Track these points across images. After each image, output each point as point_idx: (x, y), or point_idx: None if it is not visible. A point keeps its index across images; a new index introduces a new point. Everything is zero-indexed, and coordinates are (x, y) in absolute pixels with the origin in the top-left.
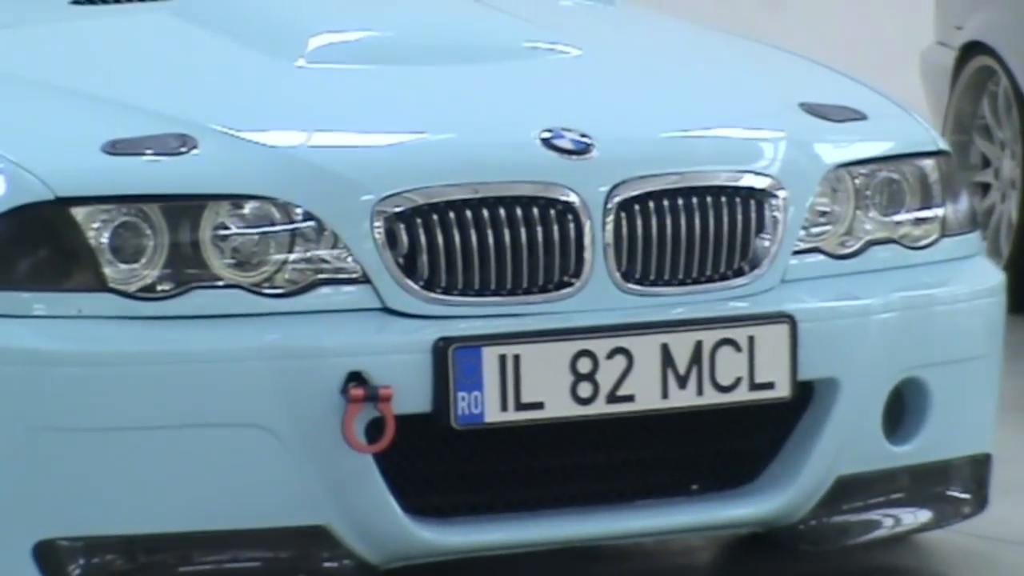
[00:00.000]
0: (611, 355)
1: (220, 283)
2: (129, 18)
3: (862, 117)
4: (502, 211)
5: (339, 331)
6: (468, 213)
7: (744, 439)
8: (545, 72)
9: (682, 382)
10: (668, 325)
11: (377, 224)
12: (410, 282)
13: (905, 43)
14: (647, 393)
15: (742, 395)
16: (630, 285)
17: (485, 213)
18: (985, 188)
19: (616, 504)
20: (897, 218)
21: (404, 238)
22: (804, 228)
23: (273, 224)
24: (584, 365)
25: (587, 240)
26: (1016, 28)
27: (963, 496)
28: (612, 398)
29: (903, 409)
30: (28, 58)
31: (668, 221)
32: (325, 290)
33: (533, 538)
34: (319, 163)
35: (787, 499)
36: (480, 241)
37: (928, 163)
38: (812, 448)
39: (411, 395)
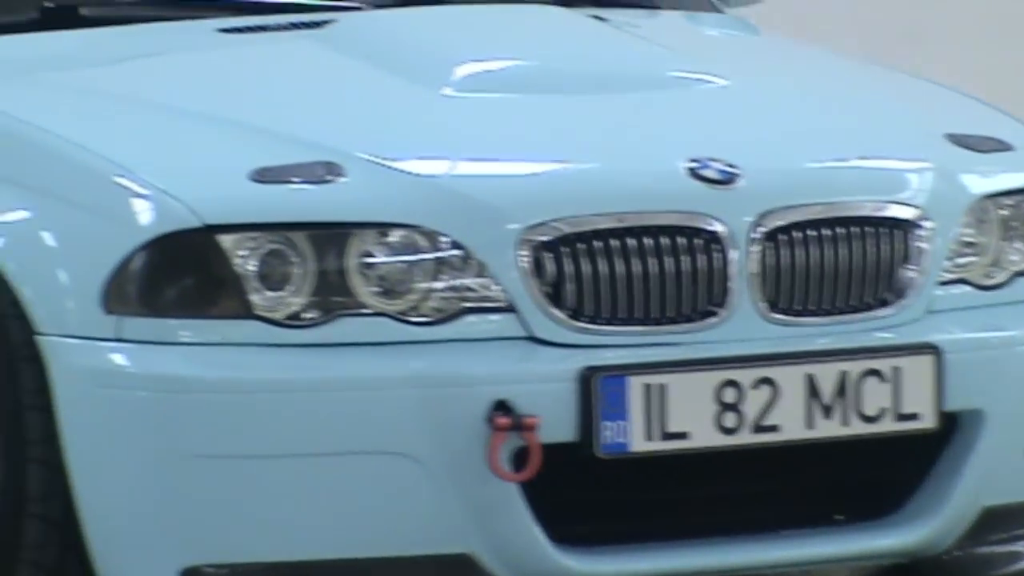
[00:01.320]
0: (756, 385)
1: (366, 311)
2: (276, 46)
3: (1008, 148)
4: (647, 240)
5: (485, 360)
6: (613, 242)
7: (889, 469)
8: (691, 102)
9: (827, 412)
10: (813, 355)
11: (523, 253)
12: (556, 311)
13: None
14: (792, 423)
15: (887, 426)
16: (775, 315)
17: (630, 242)
18: None
19: (760, 534)
20: None
21: (550, 267)
22: (949, 259)
23: (419, 252)
24: (729, 395)
25: (732, 270)
26: None
27: None
28: (757, 428)
29: None
30: (175, 86)
31: (814, 251)
32: (470, 319)
33: (677, 567)
34: (465, 191)
35: (932, 530)
36: (625, 270)
37: None
38: (957, 479)
39: (556, 424)
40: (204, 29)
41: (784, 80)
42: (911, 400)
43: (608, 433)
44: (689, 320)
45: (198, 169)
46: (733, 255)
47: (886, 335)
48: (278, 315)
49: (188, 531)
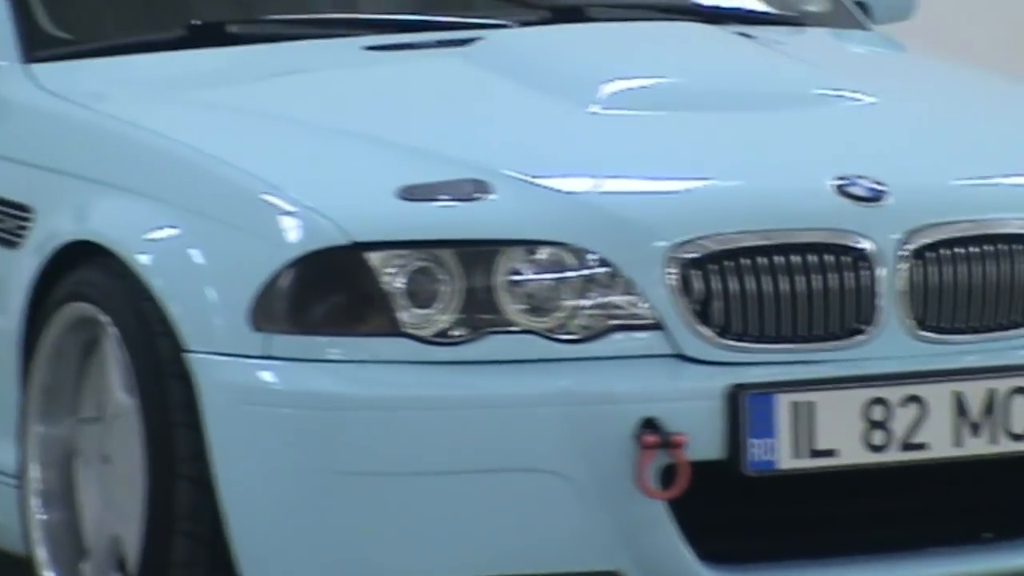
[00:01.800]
0: (904, 403)
1: (513, 328)
2: (422, 63)
3: None
4: (794, 258)
5: (632, 377)
6: (760, 260)
7: None
8: (837, 119)
9: (975, 430)
10: (961, 373)
11: (671, 270)
12: (704, 328)
13: None
14: (940, 441)
15: None
16: (923, 333)
17: (777, 260)
18: None
19: (908, 552)
20: None
21: (697, 284)
22: None
23: (566, 270)
24: (877, 412)
25: (880, 287)
26: None
27: None
28: (905, 446)
29: None
30: (322, 103)
31: (962, 269)
32: (618, 336)
33: None
34: (612, 209)
35: None
36: (773, 288)
37: None
38: None
39: (703, 441)
40: (351, 47)
41: (931, 97)
42: None
43: (755, 451)
44: (836, 338)
45: (346, 186)
46: (881, 273)
47: None
48: (426, 332)
49: (335, 549)
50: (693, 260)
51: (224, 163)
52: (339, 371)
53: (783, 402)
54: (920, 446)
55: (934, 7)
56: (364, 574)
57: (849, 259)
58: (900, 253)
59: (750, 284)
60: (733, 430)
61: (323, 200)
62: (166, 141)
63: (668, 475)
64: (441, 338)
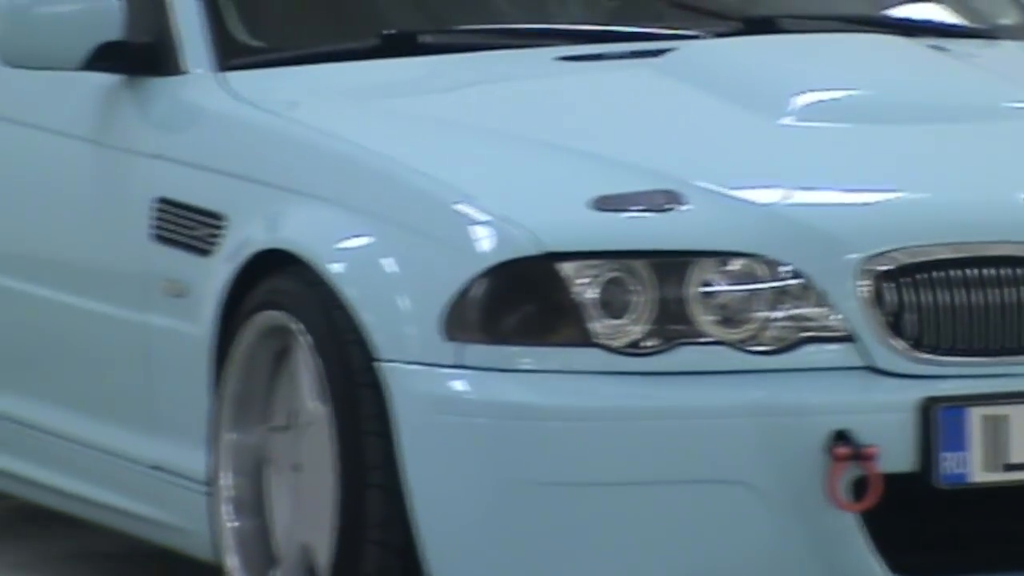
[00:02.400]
0: None
1: (705, 340)
2: (614, 74)
3: None
4: (986, 271)
5: (824, 389)
6: (953, 272)
7: None
8: None
9: None
10: None
11: (863, 282)
12: (896, 341)
13: None
14: None
15: None
16: None
17: (969, 273)
18: None
19: None
20: None
21: (890, 296)
22: None
23: (759, 281)
24: None
25: None
26: None
27: None
28: None
29: None
30: (514, 113)
31: None
32: (809, 348)
33: None
34: (805, 221)
35: None
36: (966, 301)
37: None
38: None
39: (894, 454)
40: (542, 57)
41: None
42: None
43: (947, 464)
44: None
45: (538, 197)
46: None
47: None
48: (618, 343)
49: (525, 559)
50: (886, 272)
51: (417, 172)
52: (530, 381)
53: (975, 415)
54: None
55: None
56: None
57: None
58: None
59: (943, 297)
60: (925, 443)
61: (516, 210)
62: (359, 150)
63: (860, 487)
64: (633, 349)
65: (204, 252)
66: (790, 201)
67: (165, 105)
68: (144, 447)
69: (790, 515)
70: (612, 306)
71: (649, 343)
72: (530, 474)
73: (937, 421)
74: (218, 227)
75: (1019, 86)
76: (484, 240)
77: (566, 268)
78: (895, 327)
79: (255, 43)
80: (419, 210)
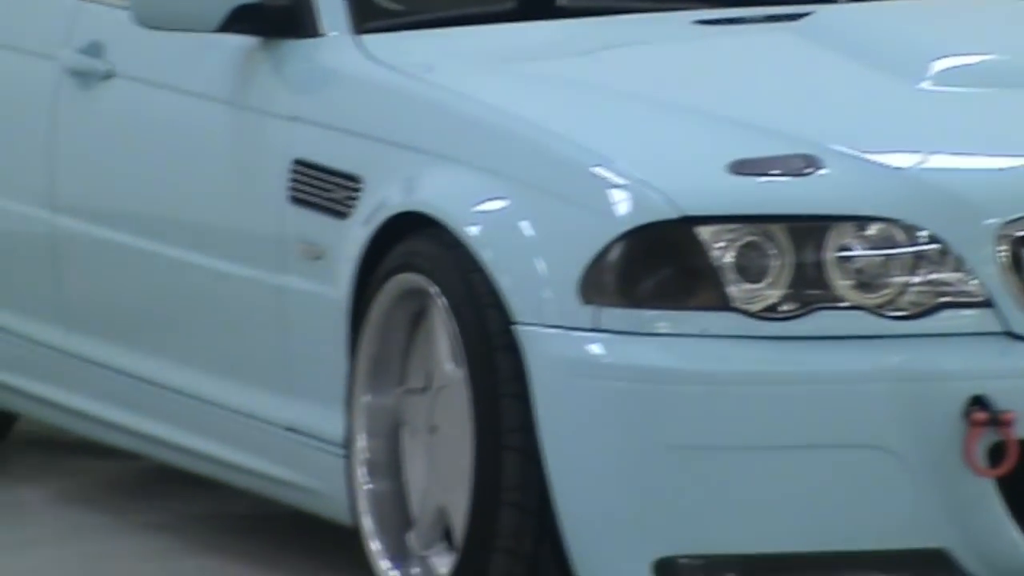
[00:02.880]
0: None
1: (842, 304)
2: (752, 38)
3: None
4: None
5: (962, 355)
6: None
7: None
8: None
9: None
10: None
11: (1001, 248)
12: None
13: None
14: None
15: None
16: None
17: None
18: None
19: None
20: None
21: None
22: None
23: (897, 246)
24: None
25: None
26: None
27: None
28: None
29: None
30: (653, 77)
31: None
32: (947, 313)
33: None
34: (943, 186)
35: None
36: None
37: None
38: None
39: None
40: (680, 21)
41: None
42: None
43: None
44: None
45: (676, 160)
46: None
47: None
48: (755, 307)
49: (662, 522)
50: (1023, 237)
51: (555, 135)
52: (667, 345)
53: None
54: None
55: None
56: (690, 547)
57: None
58: None
59: None
60: None
61: (654, 173)
62: (496, 113)
63: (997, 453)
64: (770, 313)
65: (341, 214)
66: (928, 166)
67: (301, 67)
68: (280, 409)
69: (927, 480)
70: (749, 270)
71: (786, 307)
72: (666, 438)
73: None
74: (355, 189)
75: None
76: (622, 204)
77: (703, 232)
78: None
79: (391, 6)
80: (557, 173)
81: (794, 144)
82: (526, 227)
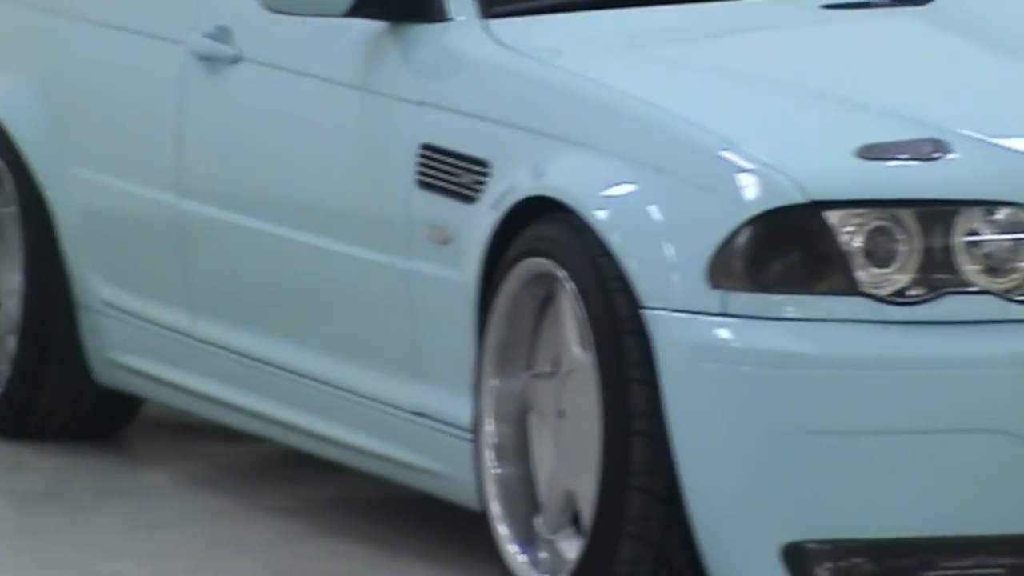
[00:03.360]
0: None
1: (971, 289)
2: (879, 22)
3: None
4: None
5: None
6: None
7: None
8: None
9: None
10: None
11: None
12: None
13: None
14: None
15: None
16: None
17: None
18: None
19: None
20: None
21: None
22: None
23: None
24: None
25: None
26: None
27: None
28: None
29: None
30: (780, 61)
31: None
32: None
33: None
34: None
35: None
36: None
37: None
38: None
39: None
40: (807, 5)
41: None
42: None
43: None
44: None
45: (803, 145)
46: None
47: None
48: (883, 292)
49: (791, 507)
50: None
51: (682, 119)
52: (796, 329)
53: None
54: None
55: None
56: (818, 532)
57: None
58: None
59: None
60: None
61: (781, 158)
62: (623, 97)
63: None
64: (898, 298)
65: (468, 199)
66: None
67: (429, 52)
68: (407, 393)
69: None
70: (877, 255)
71: (914, 292)
72: (795, 422)
73: None
74: (483, 174)
75: None
76: (750, 188)
77: (832, 216)
78: None
79: None
80: (684, 157)
81: (922, 128)
82: (654, 211)
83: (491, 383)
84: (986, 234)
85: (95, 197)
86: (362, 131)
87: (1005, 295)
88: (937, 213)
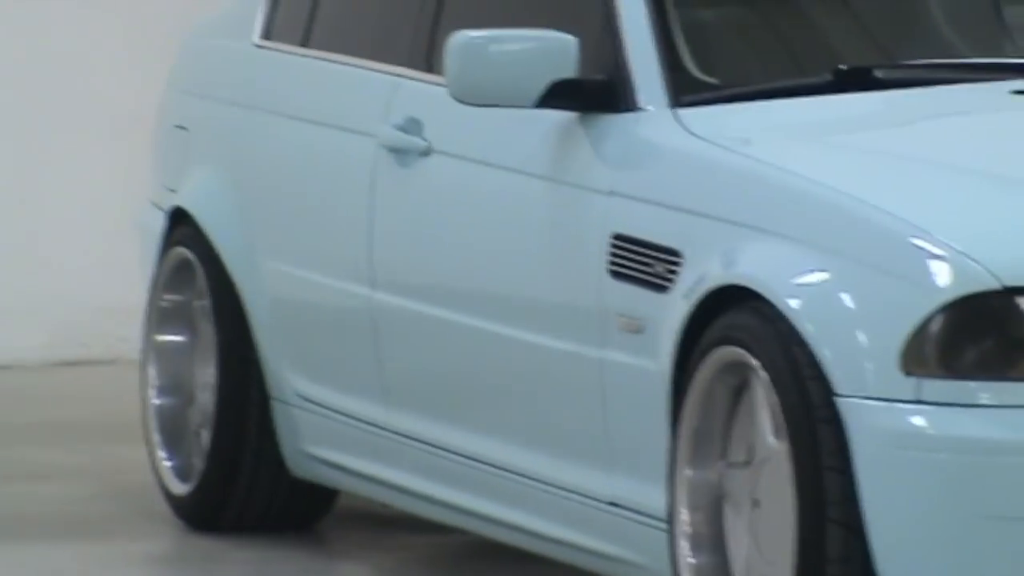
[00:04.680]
0: None
1: None
2: None
3: None
4: None
5: None
6: None
7: None
8: None
9: None
10: None
11: None
12: None
13: None
14: None
15: None
16: None
17: None
18: None
19: None
20: None
21: None
22: None
23: None
24: None
25: None
26: None
27: None
28: None
29: None
30: (971, 147)
31: None
32: None
33: None
34: None
35: None
36: None
37: None
38: None
39: None
40: (998, 91)
41: None
42: None
43: None
44: None
45: (996, 231)
46: None
47: None
48: None
49: None
50: None
51: (873, 206)
52: (991, 416)
53: None
54: None
55: None
56: None
57: None
58: None
59: None
60: None
61: (973, 244)
62: (814, 185)
63: None
64: None
65: (661, 288)
66: None
67: (619, 142)
68: (601, 483)
69: None
70: None
71: None
72: (992, 509)
73: None
74: (674, 263)
75: None
76: (942, 275)
77: None
78: None
79: (708, 79)
80: (876, 245)
81: None
82: (846, 299)
83: (685, 472)
84: None
85: (287, 289)
86: (553, 221)
87: None
88: None
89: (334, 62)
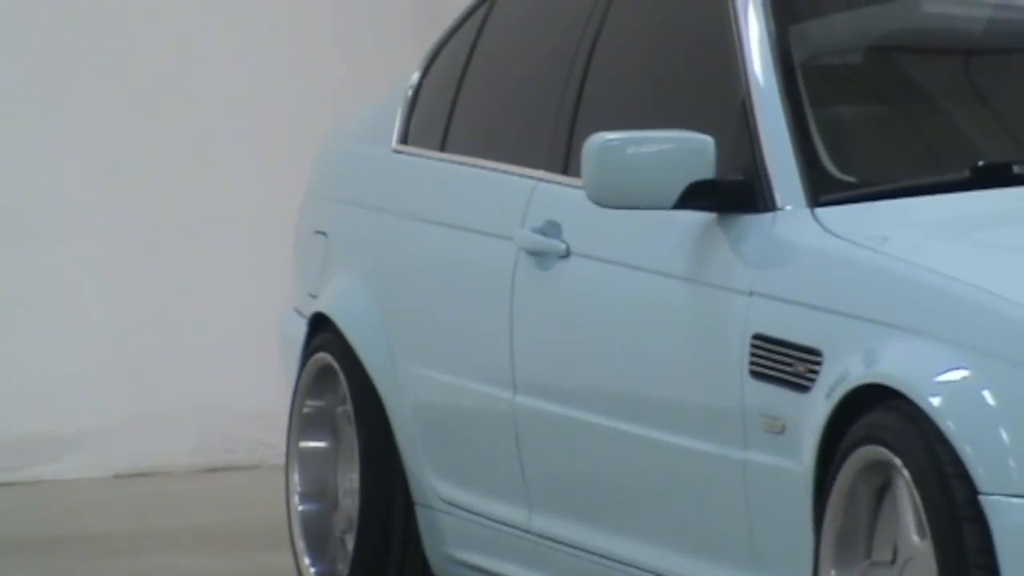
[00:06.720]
0: None
1: None
2: None
3: None
4: None
5: None
6: None
7: None
8: None
9: None
10: None
11: None
12: None
13: None
14: None
15: None
16: None
17: None
18: None
19: None
20: None
21: None
22: None
23: None
24: None
25: None
26: None
27: None
28: None
29: None
30: None
31: None
32: None
33: None
34: None
35: None
36: None
37: None
38: None
39: None
40: None
41: None
42: None
43: None
44: None
45: None
46: None
47: None
48: None
49: None
50: None
51: (1012, 303)
52: None
53: None
54: None
55: None
56: None
57: None
58: None
59: None
60: None
61: None
62: (953, 282)
63: None
64: None
65: (802, 388)
66: None
67: (758, 242)
68: None
69: None
70: None
71: None
72: None
73: None
74: (816, 363)
75: None
76: None
77: None
78: None
79: (846, 178)
80: (1016, 341)
81: None
82: (988, 396)
83: (830, 573)
84: None
85: (429, 393)
86: (693, 322)
87: None
88: None
89: (472, 166)
